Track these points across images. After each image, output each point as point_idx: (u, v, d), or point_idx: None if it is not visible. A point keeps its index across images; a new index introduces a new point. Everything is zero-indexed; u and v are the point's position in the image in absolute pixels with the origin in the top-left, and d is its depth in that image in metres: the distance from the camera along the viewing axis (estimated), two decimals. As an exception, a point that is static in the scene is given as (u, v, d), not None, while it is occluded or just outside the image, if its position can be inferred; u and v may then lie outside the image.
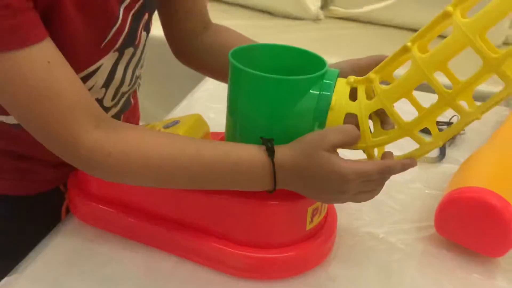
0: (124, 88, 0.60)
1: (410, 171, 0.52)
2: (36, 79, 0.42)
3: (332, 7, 1.90)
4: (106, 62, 0.53)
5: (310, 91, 0.47)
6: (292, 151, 0.46)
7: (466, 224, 0.55)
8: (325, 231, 0.55)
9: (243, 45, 0.51)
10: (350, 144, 0.47)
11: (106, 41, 0.51)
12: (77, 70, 0.47)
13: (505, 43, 1.80)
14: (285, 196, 0.49)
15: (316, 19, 1.85)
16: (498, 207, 0.52)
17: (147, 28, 0.59)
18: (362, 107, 0.46)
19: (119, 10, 0.51)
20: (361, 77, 0.48)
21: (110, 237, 0.56)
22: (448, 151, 0.81)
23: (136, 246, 0.55)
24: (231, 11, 1.79)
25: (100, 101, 0.57)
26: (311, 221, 0.52)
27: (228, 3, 1.83)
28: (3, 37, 0.40)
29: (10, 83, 0.42)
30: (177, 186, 0.49)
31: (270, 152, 0.45)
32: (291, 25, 1.77)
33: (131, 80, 0.60)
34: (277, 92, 0.46)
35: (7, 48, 0.41)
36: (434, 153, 0.79)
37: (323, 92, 0.47)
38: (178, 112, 0.90)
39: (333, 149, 0.45)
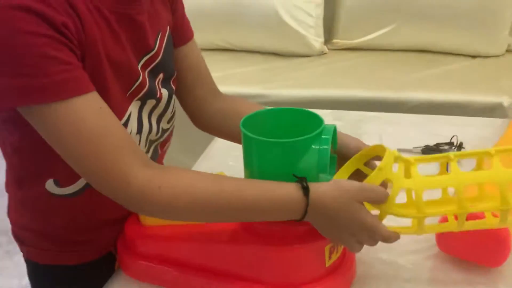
0: (152, 137, 0.66)
1: None
2: (92, 121, 0.50)
3: (335, 40, 1.98)
4: (133, 109, 0.61)
5: (312, 146, 0.53)
6: (327, 193, 0.52)
7: (464, 239, 0.60)
8: (344, 265, 0.60)
9: (252, 112, 0.59)
10: (376, 203, 0.55)
11: (130, 91, 0.60)
12: (119, 113, 0.57)
13: (508, 50, 1.84)
14: (303, 238, 0.56)
15: (321, 54, 1.92)
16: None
17: (167, 87, 0.67)
18: (418, 182, 0.54)
19: (138, 67, 0.60)
20: (407, 157, 0.57)
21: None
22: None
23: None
24: (240, 57, 1.88)
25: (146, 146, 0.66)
26: (330, 258, 0.58)
27: (236, 50, 1.92)
28: (63, 88, 0.48)
29: (70, 127, 0.49)
30: (219, 220, 0.56)
31: (306, 191, 0.52)
32: (298, 63, 1.85)
33: (157, 130, 0.67)
34: (282, 153, 0.54)
35: (67, 96, 0.49)
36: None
37: (322, 147, 0.54)
38: (202, 160, 0.98)
39: (363, 202, 0.54)
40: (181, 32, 0.71)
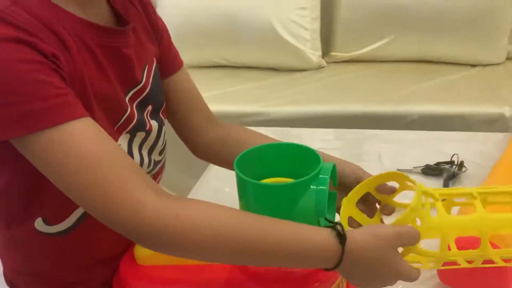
0: (144, 169, 0.63)
1: None
2: (93, 145, 0.47)
3: (333, 53, 1.97)
4: (122, 142, 0.59)
5: (310, 187, 0.51)
6: (366, 242, 0.49)
7: (463, 272, 0.59)
8: None
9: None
10: (408, 245, 0.51)
11: (118, 124, 0.58)
12: None
13: (508, 58, 1.83)
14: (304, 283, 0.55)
15: (319, 67, 1.91)
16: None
17: (156, 118, 0.65)
18: (445, 224, 0.52)
19: (126, 100, 0.59)
20: (432, 192, 0.54)
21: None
22: None
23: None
24: (237, 74, 1.86)
25: None
26: None
27: (233, 67, 1.91)
28: (59, 111, 0.46)
29: (69, 152, 0.46)
30: (241, 262, 0.51)
31: (342, 240, 0.48)
32: (296, 78, 1.84)
33: (149, 162, 0.64)
34: (279, 195, 0.52)
35: (63, 120, 0.46)
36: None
37: (320, 187, 0.52)
38: (199, 185, 0.97)
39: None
40: (169, 62, 0.71)
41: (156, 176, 0.70)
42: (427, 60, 1.89)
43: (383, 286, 0.53)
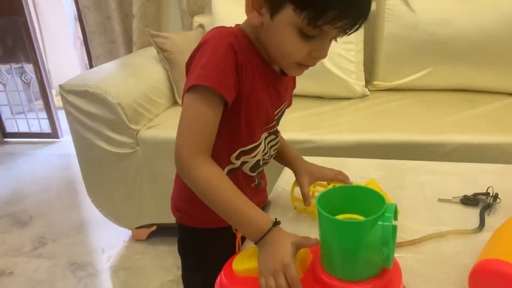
0: (266, 157, 0.93)
1: (457, 242, 0.79)
2: (203, 108, 0.74)
3: (375, 82, 2.09)
4: (263, 138, 0.88)
5: (378, 223, 0.61)
6: (280, 237, 0.70)
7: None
8: None
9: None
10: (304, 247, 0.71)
11: (266, 127, 0.88)
12: (256, 138, 0.86)
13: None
14: None
15: (363, 96, 2.03)
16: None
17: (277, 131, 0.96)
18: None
19: (274, 113, 0.89)
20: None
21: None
22: (487, 219, 0.92)
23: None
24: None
25: (258, 161, 0.91)
26: None
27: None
28: (212, 79, 0.72)
29: (196, 100, 0.74)
30: (214, 209, 0.74)
31: (274, 225, 0.71)
32: (342, 107, 1.95)
33: (269, 155, 0.94)
34: (354, 230, 0.62)
35: (207, 84, 0.72)
36: (475, 223, 0.91)
37: (386, 223, 0.61)
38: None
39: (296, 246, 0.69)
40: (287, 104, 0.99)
41: (265, 164, 0.97)
42: (465, 89, 1.95)
43: (270, 271, 0.67)
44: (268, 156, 0.95)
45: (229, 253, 0.80)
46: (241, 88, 0.77)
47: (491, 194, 1.00)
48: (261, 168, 0.95)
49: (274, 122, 0.91)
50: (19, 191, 2.83)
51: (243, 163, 0.89)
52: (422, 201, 1.03)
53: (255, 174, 0.94)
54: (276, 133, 0.93)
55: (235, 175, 0.89)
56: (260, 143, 0.88)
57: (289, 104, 1.00)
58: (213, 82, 0.73)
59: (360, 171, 1.06)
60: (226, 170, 0.88)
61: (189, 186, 0.76)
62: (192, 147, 0.73)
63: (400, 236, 0.87)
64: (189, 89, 0.75)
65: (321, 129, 1.73)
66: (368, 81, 2.11)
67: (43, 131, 3.69)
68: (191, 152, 0.73)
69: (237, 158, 0.87)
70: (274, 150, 0.96)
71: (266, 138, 0.91)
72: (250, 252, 0.75)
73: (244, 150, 0.87)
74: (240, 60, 0.76)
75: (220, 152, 0.83)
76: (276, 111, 0.91)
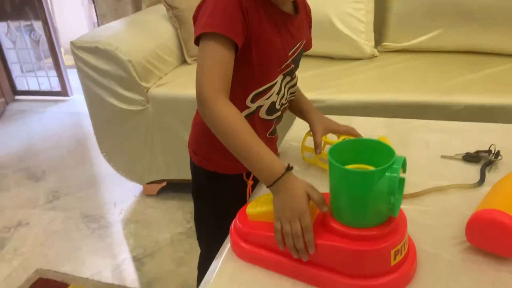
0: (283, 100, 0.96)
1: (457, 196, 0.81)
2: (216, 52, 0.77)
3: (385, 43, 2.08)
4: (279, 79, 0.91)
5: (386, 174, 0.62)
6: (294, 183, 0.72)
7: (487, 236, 0.71)
8: (406, 264, 0.68)
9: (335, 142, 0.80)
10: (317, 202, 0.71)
11: (281, 67, 0.90)
12: (270, 79, 0.89)
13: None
14: (374, 243, 0.66)
15: (372, 57, 2.03)
16: (507, 223, 0.69)
17: (295, 73, 0.98)
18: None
19: (288, 54, 0.91)
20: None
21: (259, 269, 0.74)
22: (487, 175, 0.95)
23: (275, 274, 0.73)
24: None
25: (274, 103, 0.94)
26: (395, 259, 0.66)
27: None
28: (219, 25, 0.76)
29: (207, 47, 0.78)
30: (228, 147, 0.76)
31: (289, 169, 0.73)
32: (351, 67, 1.95)
33: (286, 97, 0.97)
34: (362, 180, 0.64)
35: (215, 30, 0.77)
36: (476, 179, 0.93)
37: (393, 174, 0.63)
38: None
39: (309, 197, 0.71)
40: (307, 43, 1.00)
41: (284, 110, 1.01)
42: (475, 51, 1.94)
43: (287, 217, 0.69)
44: (286, 100, 0.98)
45: (240, 198, 0.84)
46: (249, 31, 0.81)
47: (493, 152, 1.02)
48: (279, 113, 0.98)
49: (289, 62, 0.92)
50: (32, 147, 2.90)
51: (259, 107, 0.92)
52: (425, 157, 1.06)
53: (273, 117, 0.97)
54: (292, 73, 0.96)
55: (252, 121, 0.92)
56: (274, 84, 0.91)
57: (308, 47, 1.02)
58: (220, 28, 0.77)
59: (366, 129, 1.07)
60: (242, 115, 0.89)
61: (208, 125, 0.78)
62: (213, 85, 0.76)
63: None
64: (200, 38, 0.79)
65: (330, 88, 1.75)
66: (378, 41, 2.10)
67: (53, 89, 3.72)
68: (213, 90, 0.76)
69: (252, 101, 0.91)
70: (291, 94, 0.99)
71: (282, 80, 0.94)
72: (263, 199, 0.79)
73: (259, 92, 0.90)
74: (245, 5, 0.79)
75: (236, 97, 0.83)
76: (291, 52, 0.92)
